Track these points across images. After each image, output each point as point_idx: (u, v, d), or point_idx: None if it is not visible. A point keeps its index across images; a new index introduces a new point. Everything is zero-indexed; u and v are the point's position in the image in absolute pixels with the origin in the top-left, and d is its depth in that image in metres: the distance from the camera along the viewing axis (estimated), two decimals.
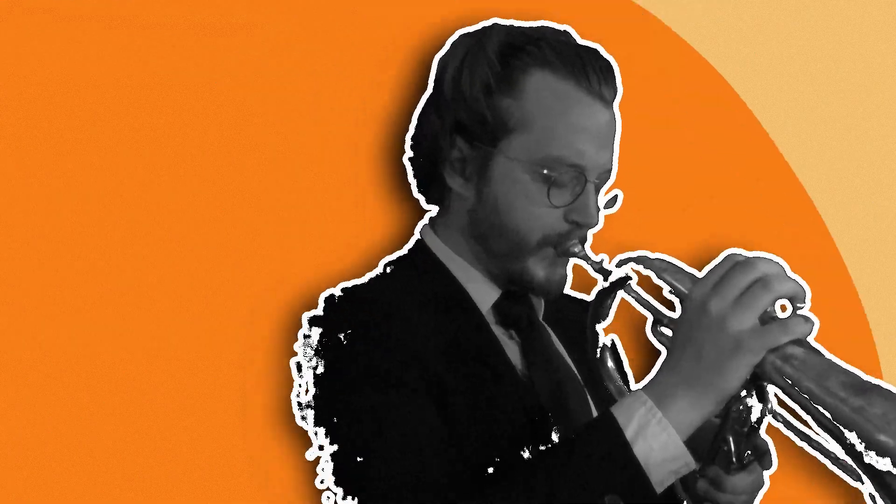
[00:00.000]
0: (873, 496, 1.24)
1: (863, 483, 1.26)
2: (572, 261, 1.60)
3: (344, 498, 1.43)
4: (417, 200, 1.73)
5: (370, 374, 1.46)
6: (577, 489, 1.29)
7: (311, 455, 1.52)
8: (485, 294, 1.62)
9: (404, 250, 1.70)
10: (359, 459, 1.42)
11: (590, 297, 1.54)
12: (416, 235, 1.70)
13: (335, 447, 1.46)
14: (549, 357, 1.64)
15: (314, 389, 1.52)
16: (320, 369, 1.52)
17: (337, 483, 1.44)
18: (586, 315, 1.76)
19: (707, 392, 1.30)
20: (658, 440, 1.30)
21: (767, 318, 1.30)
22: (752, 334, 1.28)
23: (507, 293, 1.63)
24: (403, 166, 1.73)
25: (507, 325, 1.63)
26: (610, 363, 1.54)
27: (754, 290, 1.30)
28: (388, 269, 1.65)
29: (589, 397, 1.64)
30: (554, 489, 1.30)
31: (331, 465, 1.46)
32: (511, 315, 1.63)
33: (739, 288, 1.30)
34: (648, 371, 1.47)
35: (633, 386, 1.59)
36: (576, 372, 1.66)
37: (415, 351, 1.48)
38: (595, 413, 1.63)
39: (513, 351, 1.61)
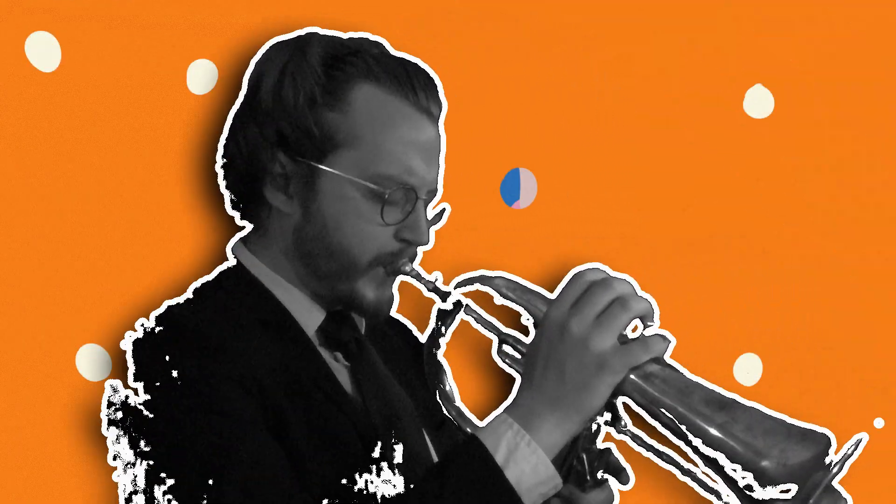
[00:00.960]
0: None
1: (720, 499, 1.28)
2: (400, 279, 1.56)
3: None
4: (225, 214, 1.64)
5: (205, 408, 1.38)
6: None
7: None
8: (310, 316, 1.56)
9: (216, 272, 1.60)
10: (203, 493, 1.33)
11: (432, 318, 1.50)
12: (229, 255, 1.61)
13: (170, 481, 1.36)
14: (378, 379, 1.59)
15: (136, 424, 1.41)
16: (143, 402, 1.42)
17: None
18: (402, 333, 1.74)
19: (572, 412, 1.30)
20: (529, 463, 1.28)
21: (624, 338, 1.31)
22: (615, 353, 1.29)
23: (331, 314, 1.57)
24: (210, 181, 1.64)
25: (334, 348, 1.57)
26: (448, 384, 1.51)
27: (613, 309, 1.30)
28: (206, 293, 1.55)
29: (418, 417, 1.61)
30: None
31: (163, 495, 1.37)
32: (338, 337, 1.57)
33: (599, 307, 1.30)
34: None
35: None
36: (403, 392, 1.62)
37: (249, 379, 1.40)
38: (426, 434, 1.60)
39: (341, 373, 1.56)
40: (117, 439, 1.44)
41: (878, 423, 2.27)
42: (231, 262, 1.60)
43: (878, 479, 2.39)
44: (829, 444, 1.21)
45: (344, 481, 1.42)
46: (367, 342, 1.61)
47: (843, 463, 1.19)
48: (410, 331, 1.77)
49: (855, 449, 1.20)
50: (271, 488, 1.34)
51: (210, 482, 1.33)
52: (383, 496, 1.38)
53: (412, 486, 1.38)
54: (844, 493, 1.23)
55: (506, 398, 1.39)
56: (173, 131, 1.86)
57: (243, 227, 1.62)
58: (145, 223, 1.93)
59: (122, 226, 1.93)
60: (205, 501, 1.33)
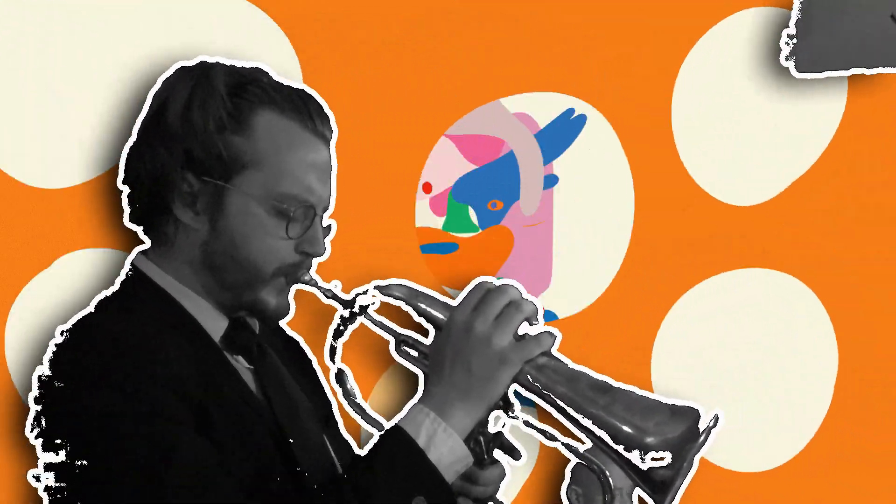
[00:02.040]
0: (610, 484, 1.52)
1: (604, 470, 1.52)
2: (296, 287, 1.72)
3: None
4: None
5: (138, 410, 1.48)
6: (387, 498, 1.43)
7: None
8: (214, 323, 1.68)
9: (118, 284, 1.70)
10: (145, 495, 1.44)
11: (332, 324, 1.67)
12: (128, 267, 1.71)
13: (108, 486, 1.47)
14: (280, 379, 1.73)
15: (63, 430, 1.51)
16: (70, 408, 1.51)
17: None
18: (283, 338, 1.89)
19: (479, 401, 1.50)
20: (446, 445, 1.47)
21: (517, 335, 1.52)
22: (513, 349, 1.50)
23: (233, 321, 1.70)
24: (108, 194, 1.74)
25: (237, 352, 1.70)
26: (350, 383, 1.68)
27: (509, 311, 1.51)
28: (115, 303, 1.66)
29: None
30: (367, 502, 1.42)
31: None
32: (240, 342, 1.70)
33: (497, 310, 1.51)
34: None
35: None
36: (300, 391, 1.77)
37: (174, 381, 1.52)
38: (322, 430, 1.76)
39: (246, 375, 1.69)
40: (44, 446, 1.53)
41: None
42: (126, 272, 1.70)
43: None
44: (698, 418, 1.46)
45: (260, 475, 1.56)
46: (266, 346, 1.76)
47: (709, 433, 1.44)
48: (289, 335, 1.92)
49: (716, 422, 1.46)
50: (213, 487, 1.46)
51: (152, 484, 1.45)
52: (319, 486, 1.53)
53: (344, 474, 1.54)
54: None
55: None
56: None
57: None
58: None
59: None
60: (144, 497, 1.44)
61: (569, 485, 2.76)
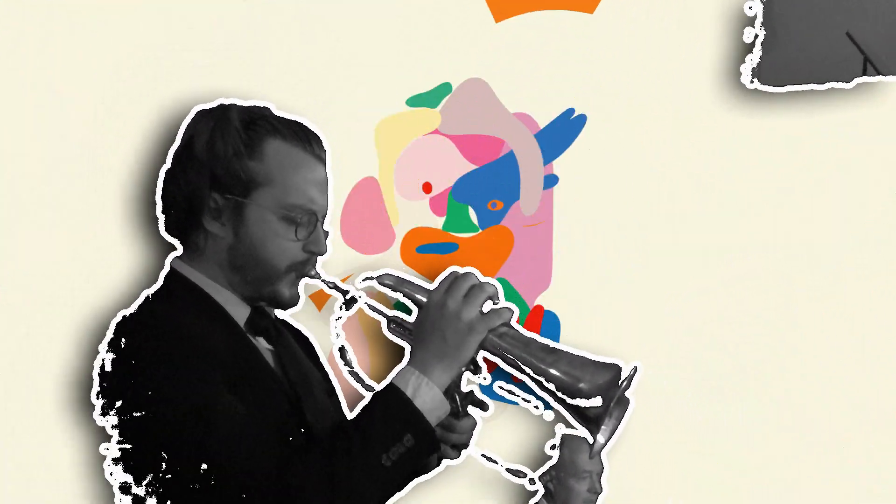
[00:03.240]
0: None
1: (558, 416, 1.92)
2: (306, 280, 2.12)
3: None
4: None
5: (185, 377, 1.88)
6: (384, 437, 1.84)
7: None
8: (239, 311, 2.08)
9: (161, 281, 2.10)
10: (193, 445, 1.84)
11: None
12: (167, 268, 2.11)
13: (161, 440, 1.87)
14: (294, 357, 2.14)
15: (123, 397, 1.91)
16: (128, 380, 1.91)
17: (168, 477, 1.85)
18: (286, 324, 2.28)
19: (452, 362, 1.91)
20: (429, 395, 1.88)
21: (482, 310, 1.93)
22: (479, 320, 1.91)
23: (254, 309, 2.11)
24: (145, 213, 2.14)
25: (258, 334, 2.11)
26: (349, 356, 2.09)
27: (474, 291, 1.93)
28: (160, 296, 2.06)
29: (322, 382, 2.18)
30: (367, 441, 1.83)
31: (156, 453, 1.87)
32: (261, 326, 2.10)
33: (464, 290, 1.92)
34: None
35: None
36: (311, 366, 2.18)
37: (213, 356, 1.92)
38: (328, 397, 2.17)
39: (266, 354, 2.09)
40: (104, 410, 1.93)
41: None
42: (166, 272, 2.10)
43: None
44: (619, 370, 1.87)
45: (280, 431, 1.96)
46: (282, 329, 2.16)
47: (630, 381, 1.85)
48: (294, 326, 2.32)
49: (635, 373, 1.87)
50: (246, 435, 1.86)
51: (199, 433, 1.85)
52: (331, 435, 1.92)
53: (346, 422, 1.94)
54: (629, 399, 1.89)
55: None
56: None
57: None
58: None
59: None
60: (194, 448, 1.84)
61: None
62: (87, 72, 2.49)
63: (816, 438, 2.97)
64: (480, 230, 2.81)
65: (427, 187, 2.81)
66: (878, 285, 2.96)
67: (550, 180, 2.80)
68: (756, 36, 2.85)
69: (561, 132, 2.84)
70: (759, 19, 2.83)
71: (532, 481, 3.07)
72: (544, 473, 3.25)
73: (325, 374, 2.23)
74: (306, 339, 2.28)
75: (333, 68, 2.82)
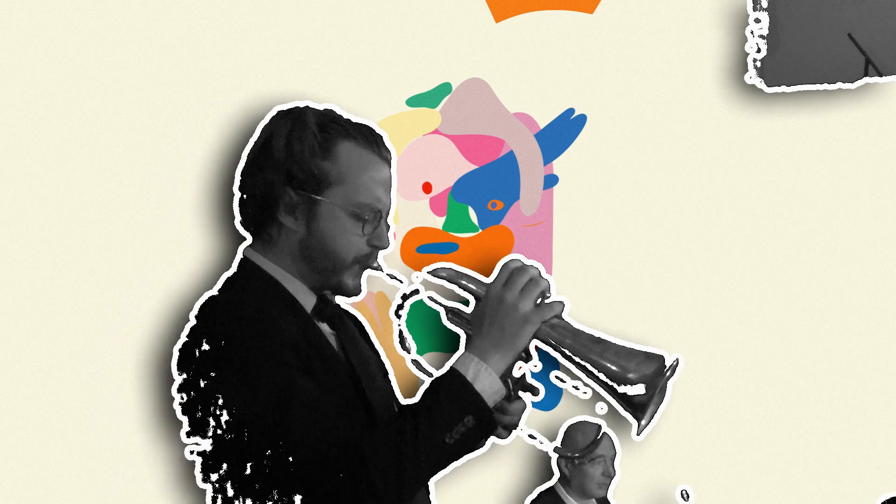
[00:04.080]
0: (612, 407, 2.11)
1: (603, 401, 2.12)
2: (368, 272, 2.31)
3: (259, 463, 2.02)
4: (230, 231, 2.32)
5: (264, 358, 2.07)
6: (448, 417, 2.02)
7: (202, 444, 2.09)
8: (306, 298, 2.26)
9: (234, 268, 2.28)
10: (273, 418, 2.02)
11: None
12: (240, 257, 2.29)
13: (243, 415, 2.05)
14: (355, 342, 2.32)
15: (208, 380, 2.09)
16: (210, 363, 2.09)
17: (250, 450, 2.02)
18: (347, 314, 2.46)
19: (509, 350, 2.09)
20: (488, 381, 2.07)
21: (536, 303, 2.12)
22: (533, 312, 2.09)
23: (320, 297, 2.29)
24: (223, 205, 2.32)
25: (323, 320, 2.29)
26: (409, 343, 2.27)
27: (530, 286, 2.11)
28: (236, 284, 2.24)
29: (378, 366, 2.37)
30: (434, 421, 2.01)
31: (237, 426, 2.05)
32: (327, 313, 2.29)
33: (521, 284, 2.11)
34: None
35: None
36: (370, 350, 2.36)
37: (287, 339, 2.10)
38: (383, 378, 2.36)
39: (330, 338, 2.27)
40: (186, 389, 2.10)
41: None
42: (239, 261, 2.28)
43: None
44: (663, 360, 2.06)
45: (346, 408, 2.15)
46: (345, 316, 2.34)
47: (674, 371, 2.04)
48: (353, 314, 2.50)
49: (677, 364, 2.06)
50: (321, 413, 2.04)
51: (279, 411, 2.03)
52: (398, 415, 2.10)
53: (413, 404, 2.12)
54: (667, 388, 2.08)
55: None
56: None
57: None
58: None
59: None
60: (276, 425, 2.02)
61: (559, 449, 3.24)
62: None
63: (816, 438, 3.11)
64: (480, 230, 2.90)
65: (427, 187, 2.90)
66: (878, 285, 3.07)
67: (550, 180, 2.88)
68: (758, 37, 2.94)
69: (561, 132, 2.91)
70: (762, 20, 2.91)
71: (574, 460, 3.25)
72: (560, 458, 3.43)
73: (380, 357, 2.42)
74: (361, 323, 2.46)
75: (333, 68, 2.94)
